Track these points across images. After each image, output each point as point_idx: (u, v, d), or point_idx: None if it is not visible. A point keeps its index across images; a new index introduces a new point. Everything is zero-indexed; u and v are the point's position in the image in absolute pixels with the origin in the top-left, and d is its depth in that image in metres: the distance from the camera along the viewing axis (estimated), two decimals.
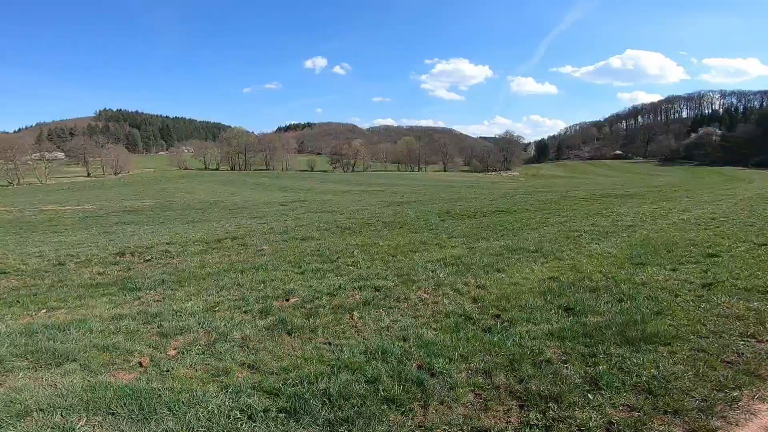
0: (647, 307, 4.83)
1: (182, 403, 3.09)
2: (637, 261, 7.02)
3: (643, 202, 17.19)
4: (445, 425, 2.88)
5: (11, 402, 3.10)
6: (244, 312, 5.04)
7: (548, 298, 5.30)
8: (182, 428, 2.81)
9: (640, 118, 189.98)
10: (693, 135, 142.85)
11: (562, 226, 11.07)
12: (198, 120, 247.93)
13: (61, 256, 8.97)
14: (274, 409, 3.05)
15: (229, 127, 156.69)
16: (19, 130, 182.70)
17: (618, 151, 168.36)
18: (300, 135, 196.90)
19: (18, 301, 5.88)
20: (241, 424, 2.89)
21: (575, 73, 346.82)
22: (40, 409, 3.00)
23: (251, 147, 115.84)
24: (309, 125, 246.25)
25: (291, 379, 3.44)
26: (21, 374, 3.60)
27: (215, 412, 2.99)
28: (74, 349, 4.06)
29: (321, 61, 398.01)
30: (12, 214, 24.10)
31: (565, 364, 3.62)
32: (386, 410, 3.02)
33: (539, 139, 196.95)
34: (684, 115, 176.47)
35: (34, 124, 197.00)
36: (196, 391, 3.27)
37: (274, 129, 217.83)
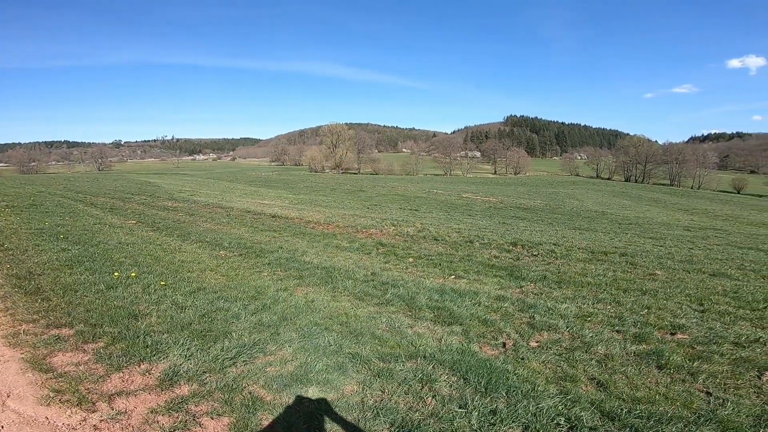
0: None
1: (519, 391, 3.29)
2: None
3: None
4: None
5: (411, 345, 4.19)
6: (616, 331, 4.71)
7: None
8: (509, 415, 2.99)
9: None
10: None
11: None
12: (593, 127, 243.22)
13: (471, 235, 11.28)
14: (602, 431, 2.86)
15: (627, 134, 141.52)
16: (454, 131, 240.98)
17: None
18: (724, 147, 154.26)
19: (439, 264, 7.89)
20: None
21: None
22: (424, 356, 3.90)
23: (653, 157, 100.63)
24: (739, 135, 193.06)
25: (637, 411, 3.11)
26: (425, 324, 4.82)
27: (543, 411, 3.04)
28: (464, 315, 5.05)
29: (756, 60, 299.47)
30: (443, 197, 32.37)
31: None
32: None
33: None
34: None
35: (462, 127, 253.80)
36: (537, 385, 3.40)
37: (686, 139, 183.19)
